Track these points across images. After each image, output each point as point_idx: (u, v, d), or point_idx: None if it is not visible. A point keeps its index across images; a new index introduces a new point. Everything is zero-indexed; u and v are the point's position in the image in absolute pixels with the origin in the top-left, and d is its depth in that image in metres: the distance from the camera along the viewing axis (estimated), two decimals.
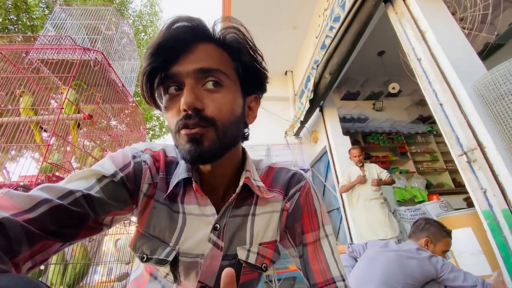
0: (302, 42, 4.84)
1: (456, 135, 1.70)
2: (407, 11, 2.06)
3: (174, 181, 0.52)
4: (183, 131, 0.44)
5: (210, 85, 0.45)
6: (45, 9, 5.32)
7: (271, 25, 4.39)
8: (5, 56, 1.46)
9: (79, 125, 1.70)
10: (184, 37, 0.45)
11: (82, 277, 1.52)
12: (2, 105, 1.52)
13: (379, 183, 2.88)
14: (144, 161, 0.53)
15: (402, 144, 5.44)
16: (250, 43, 0.51)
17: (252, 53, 0.51)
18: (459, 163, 1.68)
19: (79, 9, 2.61)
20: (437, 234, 1.38)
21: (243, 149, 0.60)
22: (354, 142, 5.17)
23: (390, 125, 5.69)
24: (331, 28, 3.27)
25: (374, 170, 3.05)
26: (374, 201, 2.89)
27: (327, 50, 3.12)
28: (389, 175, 3.00)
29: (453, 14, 1.98)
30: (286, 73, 5.65)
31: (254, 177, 0.56)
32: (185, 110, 0.43)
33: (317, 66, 3.45)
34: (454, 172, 5.17)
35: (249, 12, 4.10)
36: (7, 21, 4.81)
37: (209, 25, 0.48)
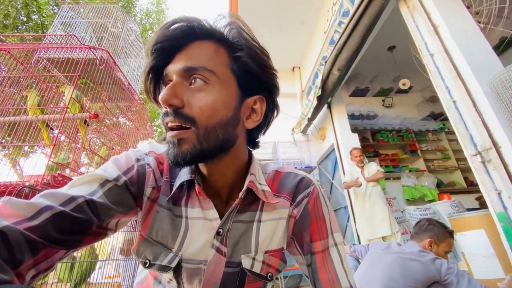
0: (310, 38, 4.76)
1: (470, 134, 1.64)
2: (420, 4, 1.99)
3: (177, 183, 0.51)
4: (168, 134, 0.44)
5: (195, 83, 0.44)
6: (55, 7, 5.40)
7: (278, 19, 4.32)
8: (12, 55, 1.48)
9: (85, 121, 1.72)
10: (178, 37, 0.44)
11: (89, 274, 1.54)
12: (13, 104, 1.55)
13: (368, 179, 3.08)
14: (148, 164, 0.51)
15: (413, 142, 5.33)
16: (250, 39, 0.48)
17: (252, 49, 0.47)
18: (473, 163, 1.62)
19: (86, 7, 2.64)
20: (440, 235, 1.36)
21: (250, 152, 0.57)
22: (363, 140, 5.09)
23: (400, 122, 5.57)
24: (340, 23, 3.20)
25: (372, 168, 3.16)
26: (374, 198, 3.01)
27: (335, 45, 3.05)
28: (379, 170, 3.11)
29: (468, 7, 1.90)
30: (293, 69, 5.58)
31: (259, 181, 0.54)
32: (165, 107, 0.43)
33: (325, 62, 3.38)
34: (466, 170, 5.04)
35: (256, 6, 4.06)
36: (17, 20, 4.88)
37: (209, 22, 0.47)
